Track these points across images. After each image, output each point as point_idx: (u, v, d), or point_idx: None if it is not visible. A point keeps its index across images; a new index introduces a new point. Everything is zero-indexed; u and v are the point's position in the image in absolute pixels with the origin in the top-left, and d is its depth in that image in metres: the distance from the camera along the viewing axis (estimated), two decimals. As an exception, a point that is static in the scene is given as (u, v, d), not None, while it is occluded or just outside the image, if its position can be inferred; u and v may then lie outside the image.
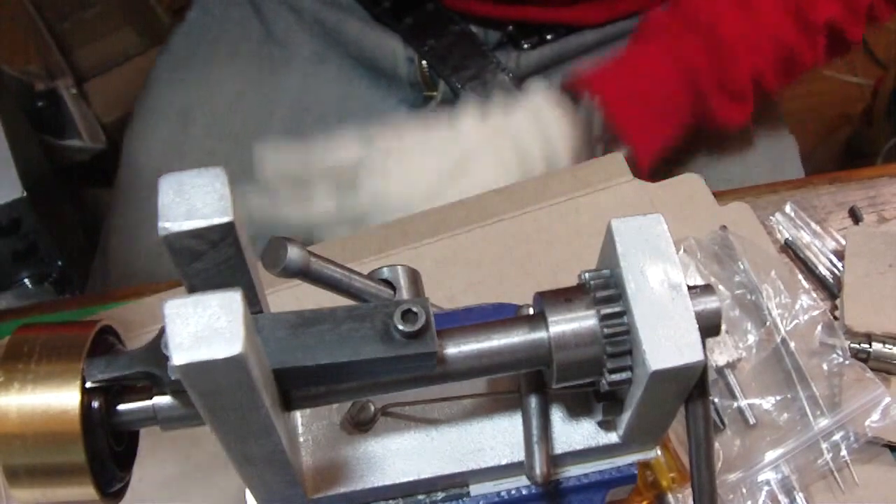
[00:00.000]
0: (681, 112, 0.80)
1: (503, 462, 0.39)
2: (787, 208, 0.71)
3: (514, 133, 0.75)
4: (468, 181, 0.73)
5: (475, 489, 0.40)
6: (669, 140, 0.82)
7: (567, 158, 0.76)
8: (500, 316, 0.36)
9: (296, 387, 0.34)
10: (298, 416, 0.40)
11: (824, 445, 0.60)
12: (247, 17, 0.93)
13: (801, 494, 0.58)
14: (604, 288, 0.35)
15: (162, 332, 0.30)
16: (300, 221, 0.74)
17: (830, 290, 0.67)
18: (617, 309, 0.34)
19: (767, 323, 0.64)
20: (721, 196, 0.72)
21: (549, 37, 0.88)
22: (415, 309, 0.32)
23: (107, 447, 0.34)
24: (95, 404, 0.33)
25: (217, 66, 0.92)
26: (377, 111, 0.90)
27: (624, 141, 0.77)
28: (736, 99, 0.78)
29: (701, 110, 0.79)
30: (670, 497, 0.57)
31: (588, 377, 0.36)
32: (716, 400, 0.61)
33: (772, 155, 0.89)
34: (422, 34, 0.87)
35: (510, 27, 0.88)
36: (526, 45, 0.87)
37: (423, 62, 0.88)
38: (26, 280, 1.12)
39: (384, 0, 0.89)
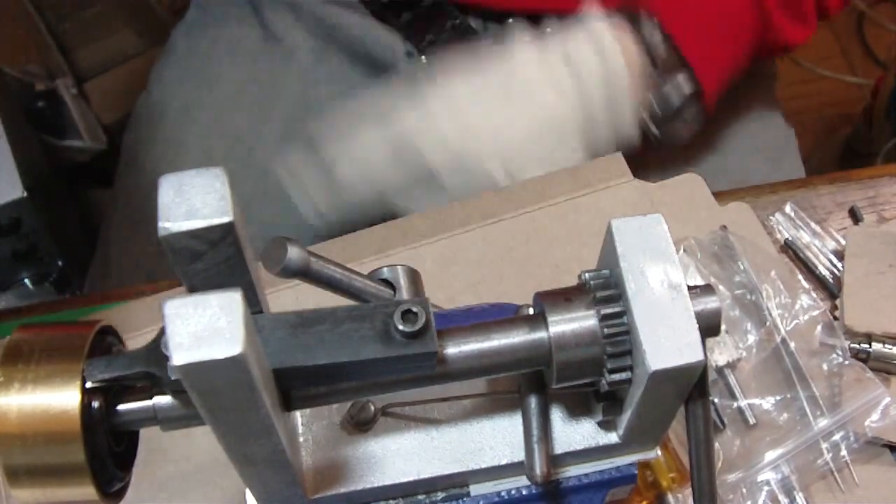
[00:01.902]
0: (745, 33, 0.77)
1: (503, 462, 0.39)
2: (787, 208, 0.71)
3: (572, 58, 0.71)
4: (524, 110, 0.70)
5: (475, 489, 0.40)
6: (734, 66, 0.78)
7: (628, 82, 0.72)
8: (500, 316, 0.36)
9: (296, 387, 0.34)
10: (298, 416, 0.40)
11: (824, 445, 0.60)
12: (246, 15, 0.93)
13: (801, 494, 0.58)
14: (604, 288, 0.35)
15: (162, 332, 0.30)
16: (363, 187, 0.70)
17: (830, 290, 0.67)
18: (617, 309, 0.34)
19: (767, 323, 0.64)
20: (721, 196, 0.72)
21: (548, 29, 0.88)
22: (415, 309, 0.32)
23: (107, 447, 0.34)
24: (95, 404, 0.33)
25: (217, 65, 0.92)
26: None
27: (687, 64, 0.74)
28: (798, 18, 0.77)
29: (764, 30, 0.77)
30: (670, 497, 0.57)
31: (588, 377, 0.36)
32: (716, 400, 0.61)
33: (770, 147, 0.89)
34: (420, 29, 0.87)
35: (510, 20, 0.88)
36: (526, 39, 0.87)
37: (423, 57, 0.87)
38: (26, 280, 1.12)
39: None
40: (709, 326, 0.35)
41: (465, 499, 0.40)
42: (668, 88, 0.74)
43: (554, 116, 0.71)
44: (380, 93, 0.72)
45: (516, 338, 0.35)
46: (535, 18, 0.87)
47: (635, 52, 0.72)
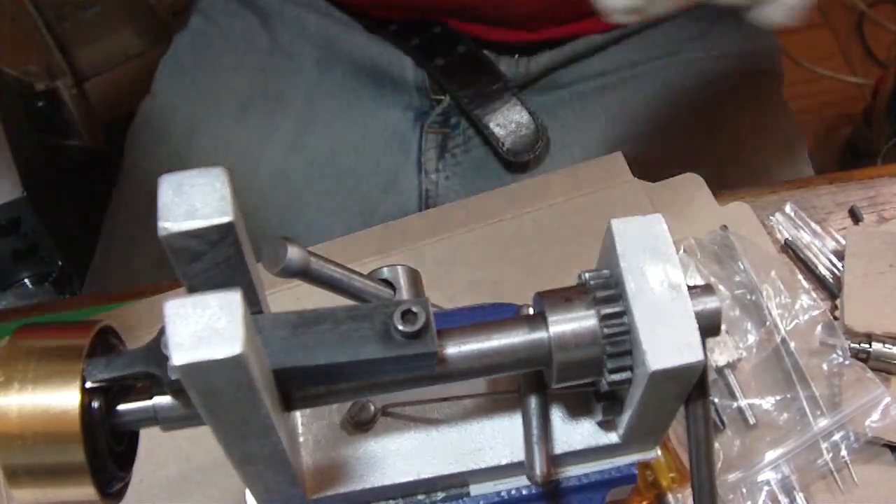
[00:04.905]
0: None
1: (503, 462, 0.39)
2: (787, 208, 0.71)
3: None
4: None
5: (475, 489, 0.40)
6: None
7: None
8: (500, 316, 0.36)
9: (296, 387, 0.34)
10: (298, 416, 0.40)
11: (824, 445, 0.60)
12: (252, 28, 0.93)
13: (801, 494, 0.58)
14: (604, 288, 0.35)
15: (162, 332, 0.30)
16: None
17: (830, 290, 0.67)
18: (617, 309, 0.34)
19: (767, 323, 0.64)
20: (721, 196, 0.72)
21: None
22: (415, 309, 0.32)
23: (107, 447, 0.34)
24: (95, 404, 0.33)
25: (223, 78, 0.91)
26: (383, 119, 0.89)
27: None
28: None
29: None
30: (670, 497, 0.57)
31: (588, 377, 0.36)
32: (716, 400, 0.61)
33: (777, 136, 0.89)
34: (429, 54, 0.87)
35: (519, 45, 0.88)
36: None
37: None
38: (26, 280, 1.12)
39: (391, 24, 0.89)
40: (709, 326, 0.35)
41: (465, 499, 0.40)
42: None
43: None
44: None
45: (516, 338, 0.35)
46: (544, 43, 0.87)
47: None
